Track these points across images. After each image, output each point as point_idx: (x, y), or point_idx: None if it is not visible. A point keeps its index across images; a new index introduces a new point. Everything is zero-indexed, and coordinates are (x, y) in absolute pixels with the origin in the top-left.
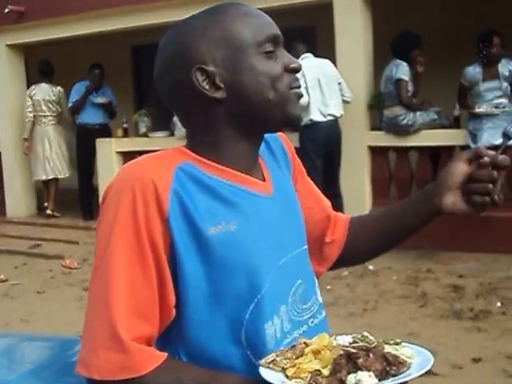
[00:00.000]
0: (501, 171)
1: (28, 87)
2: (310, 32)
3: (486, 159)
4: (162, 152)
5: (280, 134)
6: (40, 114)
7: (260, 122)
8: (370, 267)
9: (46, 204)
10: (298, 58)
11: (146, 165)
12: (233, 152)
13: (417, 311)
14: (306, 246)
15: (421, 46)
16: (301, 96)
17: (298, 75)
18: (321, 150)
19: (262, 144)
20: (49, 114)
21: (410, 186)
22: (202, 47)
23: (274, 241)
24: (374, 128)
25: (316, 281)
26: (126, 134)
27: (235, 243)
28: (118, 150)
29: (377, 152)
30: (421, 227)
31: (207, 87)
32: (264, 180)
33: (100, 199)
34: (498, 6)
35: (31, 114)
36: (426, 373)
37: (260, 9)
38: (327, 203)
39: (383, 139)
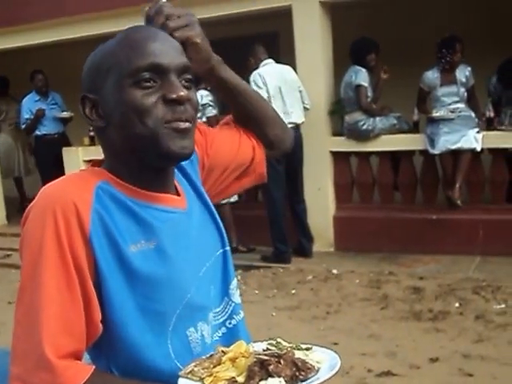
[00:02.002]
0: (458, 174)
1: None
2: (272, 38)
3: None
4: (81, 172)
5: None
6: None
7: (138, 154)
8: (334, 271)
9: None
10: (258, 62)
11: (67, 186)
12: (139, 175)
13: (378, 313)
14: (221, 250)
15: (377, 50)
16: (181, 129)
17: (261, 84)
18: (283, 157)
19: None
20: (12, 121)
21: (372, 190)
22: (91, 76)
23: (193, 253)
24: (335, 134)
25: (233, 282)
26: (92, 142)
27: (155, 260)
28: (85, 158)
29: (339, 157)
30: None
31: (92, 116)
32: (179, 195)
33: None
34: (456, 14)
35: None
36: (385, 373)
37: (223, 15)
38: (246, 139)
39: (344, 144)
